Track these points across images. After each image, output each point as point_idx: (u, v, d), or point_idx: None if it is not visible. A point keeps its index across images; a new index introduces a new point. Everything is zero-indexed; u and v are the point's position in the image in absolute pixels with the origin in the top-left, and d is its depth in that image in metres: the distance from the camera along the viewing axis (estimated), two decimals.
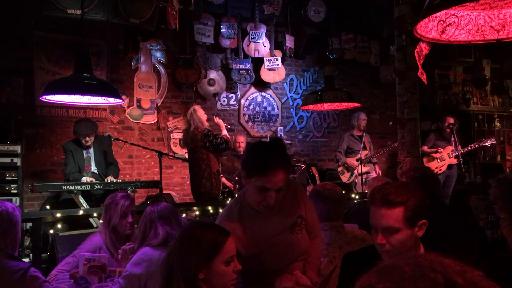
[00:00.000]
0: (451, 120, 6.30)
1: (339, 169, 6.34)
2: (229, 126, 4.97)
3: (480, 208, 4.11)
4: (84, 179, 4.44)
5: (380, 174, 6.29)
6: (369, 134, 6.53)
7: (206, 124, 4.71)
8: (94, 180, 4.46)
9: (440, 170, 6.19)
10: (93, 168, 4.69)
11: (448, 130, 6.21)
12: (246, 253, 1.81)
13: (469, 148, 6.22)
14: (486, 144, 6.29)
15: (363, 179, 5.75)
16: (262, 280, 1.85)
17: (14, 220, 1.96)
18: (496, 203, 2.96)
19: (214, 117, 5.12)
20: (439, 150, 6.25)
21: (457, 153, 6.15)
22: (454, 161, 6.25)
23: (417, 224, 1.51)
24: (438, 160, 6.23)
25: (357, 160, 5.86)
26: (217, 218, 1.97)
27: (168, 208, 2.30)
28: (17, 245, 2.02)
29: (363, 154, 6.06)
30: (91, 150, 4.71)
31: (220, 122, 4.95)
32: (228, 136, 4.72)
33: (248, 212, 1.87)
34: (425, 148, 6.17)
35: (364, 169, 6.02)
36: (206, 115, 4.80)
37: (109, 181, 4.49)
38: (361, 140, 6.06)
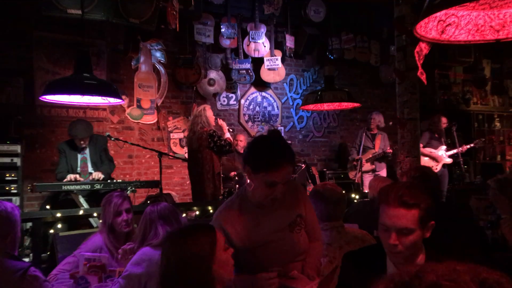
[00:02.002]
0: (445, 120, 6.33)
1: (348, 165, 6.39)
2: (231, 130, 4.96)
3: (480, 208, 4.10)
4: (69, 176, 4.33)
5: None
6: None
7: (213, 124, 4.70)
8: (78, 177, 4.39)
9: (436, 169, 6.21)
10: (90, 169, 4.65)
11: (442, 129, 6.25)
12: (241, 245, 1.81)
13: (458, 150, 6.22)
14: (476, 146, 6.32)
15: (362, 177, 5.80)
16: None
17: (13, 220, 1.96)
18: (497, 203, 2.96)
19: (218, 119, 5.12)
20: (436, 151, 6.28)
21: (451, 153, 6.19)
22: (449, 161, 6.27)
23: (427, 225, 1.53)
24: (432, 160, 6.24)
25: (357, 160, 5.90)
26: (216, 211, 1.98)
27: (168, 208, 2.30)
28: (17, 245, 2.02)
29: (370, 153, 6.11)
30: (87, 151, 4.65)
31: (223, 124, 4.93)
32: (231, 139, 4.71)
33: (248, 207, 1.88)
34: (420, 146, 6.18)
35: (370, 168, 6.06)
36: (214, 117, 4.80)
37: (95, 177, 4.39)
38: (373, 138, 6.13)
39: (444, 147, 6.30)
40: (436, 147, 6.30)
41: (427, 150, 6.26)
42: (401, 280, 0.60)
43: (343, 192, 2.60)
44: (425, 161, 6.03)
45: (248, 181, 1.88)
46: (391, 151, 5.99)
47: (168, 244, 1.49)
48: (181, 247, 1.45)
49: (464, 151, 6.31)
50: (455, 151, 6.22)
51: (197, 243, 1.46)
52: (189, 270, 1.43)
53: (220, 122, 4.99)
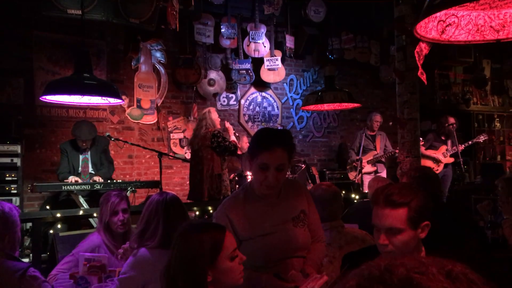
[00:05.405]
0: (452, 120, 6.32)
1: (348, 166, 6.39)
2: (237, 134, 4.98)
3: (482, 208, 4.11)
4: (70, 178, 4.36)
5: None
6: None
7: (219, 126, 4.78)
8: (79, 180, 4.40)
9: (437, 170, 6.20)
10: (91, 169, 4.66)
11: (449, 129, 6.22)
12: (243, 233, 1.85)
13: (462, 146, 6.21)
14: (479, 140, 6.33)
15: (362, 178, 5.79)
16: (261, 271, 1.86)
17: (10, 220, 1.95)
18: (502, 203, 2.96)
19: (226, 122, 5.13)
20: (436, 153, 6.27)
21: (451, 152, 6.18)
22: (450, 160, 6.26)
23: (420, 225, 1.51)
24: (434, 161, 6.23)
25: (357, 160, 5.91)
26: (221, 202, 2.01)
27: (175, 204, 2.20)
28: (17, 245, 2.01)
29: (371, 154, 6.10)
30: (89, 152, 4.68)
31: (230, 127, 4.99)
32: (236, 141, 4.74)
33: (253, 198, 1.93)
34: (422, 149, 6.16)
35: (372, 169, 6.05)
36: (219, 119, 4.87)
37: (96, 181, 4.42)
38: (373, 139, 6.12)
39: (445, 147, 6.29)
40: (437, 148, 6.30)
41: (429, 152, 6.25)
42: (372, 274, 0.60)
43: (337, 190, 2.59)
44: (426, 162, 6.03)
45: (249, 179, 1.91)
46: (397, 150, 5.97)
47: (176, 237, 1.50)
48: (184, 241, 1.45)
49: (469, 145, 6.31)
50: (455, 149, 6.20)
51: (199, 241, 1.44)
52: (185, 267, 1.42)
53: (227, 125, 5.02)
